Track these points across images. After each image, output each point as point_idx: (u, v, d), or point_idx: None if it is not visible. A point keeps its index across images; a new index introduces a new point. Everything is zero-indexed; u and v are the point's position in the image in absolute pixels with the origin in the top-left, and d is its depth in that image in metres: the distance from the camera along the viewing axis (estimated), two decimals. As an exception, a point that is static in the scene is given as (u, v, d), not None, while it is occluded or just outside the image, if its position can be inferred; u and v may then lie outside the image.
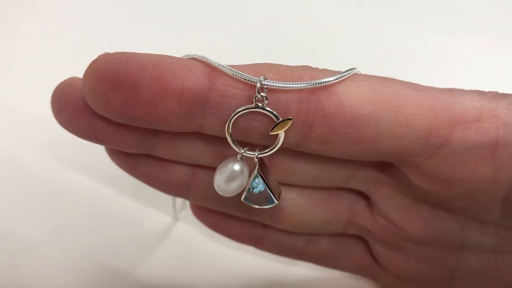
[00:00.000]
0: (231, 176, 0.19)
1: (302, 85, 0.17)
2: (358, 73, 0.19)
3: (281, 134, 0.18)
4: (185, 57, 0.19)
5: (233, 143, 0.19)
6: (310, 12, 0.39)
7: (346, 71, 0.18)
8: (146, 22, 0.39)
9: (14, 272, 0.25)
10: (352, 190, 0.23)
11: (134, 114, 0.18)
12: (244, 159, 0.19)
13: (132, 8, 0.40)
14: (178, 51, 0.19)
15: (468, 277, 0.23)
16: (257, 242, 0.26)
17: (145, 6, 0.40)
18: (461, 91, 0.19)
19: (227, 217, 0.26)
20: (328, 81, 0.17)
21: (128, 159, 0.22)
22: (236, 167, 0.19)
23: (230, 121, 0.18)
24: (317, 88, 0.18)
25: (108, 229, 0.27)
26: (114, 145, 0.21)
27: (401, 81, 0.19)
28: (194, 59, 0.18)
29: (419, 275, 0.24)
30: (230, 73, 0.17)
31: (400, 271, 0.24)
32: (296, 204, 0.23)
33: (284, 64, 0.19)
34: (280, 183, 0.22)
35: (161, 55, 0.18)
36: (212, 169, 0.22)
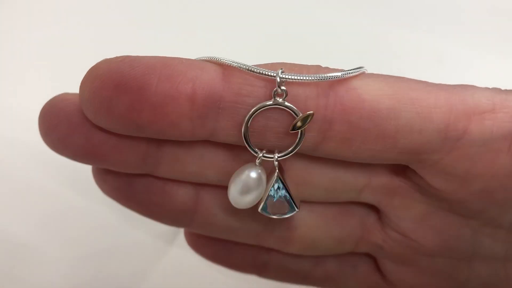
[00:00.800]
0: (247, 185, 0.18)
1: (322, 77, 0.17)
2: (366, 72, 0.18)
3: (302, 132, 0.17)
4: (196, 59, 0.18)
5: (249, 145, 0.17)
6: (306, 15, 0.39)
7: (356, 68, 0.18)
8: (147, 26, 0.38)
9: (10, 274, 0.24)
10: (363, 204, 0.22)
11: (141, 120, 0.16)
12: (262, 163, 0.18)
13: (133, 11, 0.39)
14: (183, 55, 0.18)
15: (481, 286, 0.23)
16: (262, 270, 0.24)
17: (146, 10, 0.39)
18: (471, 85, 0.19)
19: (228, 244, 0.24)
20: (347, 73, 0.17)
21: (124, 185, 0.20)
22: (253, 174, 0.18)
23: (248, 120, 0.17)
24: (335, 83, 0.17)
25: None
26: (113, 164, 0.19)
27: (412, 78, 0.19)
28: (206, 60, 0.17)
29: None
30: (245, 69, 0.16)
31: (409, 287, 0.23)
32: (307, 223, 0.22)
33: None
34: None
35: (169, 56, 0.17)
36: (218, 187, 0.21)
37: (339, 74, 0.17)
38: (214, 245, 0.24)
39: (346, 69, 0.18)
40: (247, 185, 0.18)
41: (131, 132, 0.17)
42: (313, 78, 0.17)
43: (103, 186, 0.21)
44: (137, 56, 0.17)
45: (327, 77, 0.17)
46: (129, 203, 0.21)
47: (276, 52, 0.34)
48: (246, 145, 0.17)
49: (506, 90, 0.19)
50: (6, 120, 0.30)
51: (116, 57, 0.17)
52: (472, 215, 0.20)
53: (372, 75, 0.18)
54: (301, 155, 0.20)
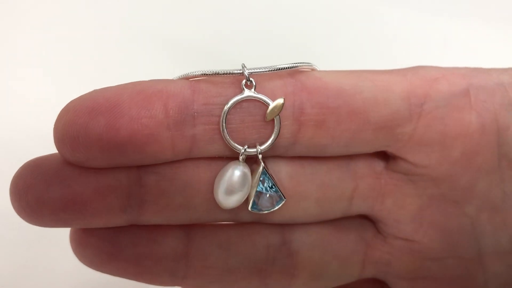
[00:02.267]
0: (232, 185, 0.18)
1: (279, 67, 0.18)
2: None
3: (277, 119, 0.18)
4: None
5: (230, 142, 0.17)
6: None
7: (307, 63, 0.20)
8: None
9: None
10: (355, 218, 0.22)
11: (120, 137, 0.16)
12: (245, 159, 0.18)
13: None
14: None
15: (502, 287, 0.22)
16: None
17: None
18: (421, 65, 0.21)
19: None
20: (304, 63, 0.19)
21: (108, 243, 0.19)
22: (237, 172, 0.18)
23: (224, 116, 0.17)
24: (295, 74, 0.19)
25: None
26: (96, 214, 0.18)
27: None
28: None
29: None
30: (210, 74, 0.18)
31: None
32: (307, 244, 0.21)
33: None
34: (285, 225, 0.21)
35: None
36: (207, 226, 0.20)
37: (292, 64, 0.18)
38: None
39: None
40: (232, 184, 0.18)
41: (110, 156, 0.17)
42: (273, 69, 0.18)
43: (85, 253, 0.19)
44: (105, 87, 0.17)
45: (286, 67, 0.18)
46: (116, 264, 0.19)
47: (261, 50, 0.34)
48: (227, 142, 0.17)
49: (450, 67, 0.21)
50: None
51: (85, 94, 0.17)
52: (464, 196, 0.21)
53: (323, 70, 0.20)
54: (283, 163, 0.20)
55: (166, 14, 0.37)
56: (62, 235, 0.20)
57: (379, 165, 0.21)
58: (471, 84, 0.20)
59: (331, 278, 0.22)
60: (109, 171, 0.18)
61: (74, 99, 0.17)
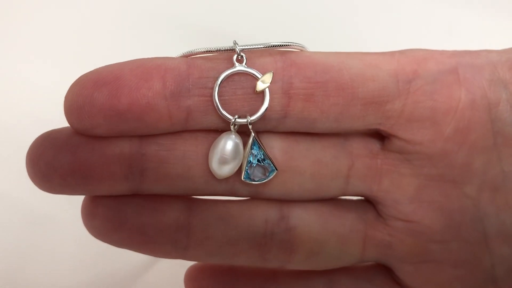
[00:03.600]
0: (226, 153, 0.19)
1: (270, 44, 0.19)
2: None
3: (267, 91, 0.19)
4: None
5: (222, 111, 0.19)
6: None
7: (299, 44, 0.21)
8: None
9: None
10: (356, 201, 0.23)
11: (120, 106, 0.18)
12: (237, 129, 0.19)
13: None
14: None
15: (509, 272, 0.22)
16: None
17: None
18: (409, 48, 0.22)
19: (232, 282, 0.23)
20: (295, 43, 0.20)
21: (115, 213, 0.20)
22: (230, 142, 0.19)
23: (217, 88, 0.19)
24: (286, 52, 0.20)
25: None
26: (101, 180, 0.19)
27: None
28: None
29: (459, 283, 0.22)
30: (204, 50, 0.19)
31: None
32: (305, 220, 0.22)
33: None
34: (284, 201, 0.22)
35: None
36: (207, 200, 0.21)
37: (287, 42, 0.20)
38: (216, 285, 0.23)
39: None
40: (225, 154, 0.19)
41: (113, 124, 0.18)
42: (264, 46, 0.19)
43: (93, 223, 0.20)
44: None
45: (273, 44, 0.19)
46: (121, 233, 0.20)
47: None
48: (219, 111, 0.19)
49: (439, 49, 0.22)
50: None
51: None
52: (462, 175, 0.21)
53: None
54: (278, 139, 0.21)
55: (172, 5, 0.38)
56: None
57: (375, 145, 0.22)
58: (459, 62, 0.21)
59: (331, 256, 0.22)
60: (113, 141, 0.19)
61: (82, 75, 0.19)
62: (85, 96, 0.18)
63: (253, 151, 0.19)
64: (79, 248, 0.27)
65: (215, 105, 0.19)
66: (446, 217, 0.21)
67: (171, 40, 0.34)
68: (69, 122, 0.19)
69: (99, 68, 0.19)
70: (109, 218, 0.20)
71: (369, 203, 0.23)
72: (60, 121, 0.19)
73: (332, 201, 0.22)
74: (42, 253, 0.28)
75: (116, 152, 0.19)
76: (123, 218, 0.20)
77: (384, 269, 0.23)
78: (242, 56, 0.19)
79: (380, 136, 0.22)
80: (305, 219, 0.22)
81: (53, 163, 0.18)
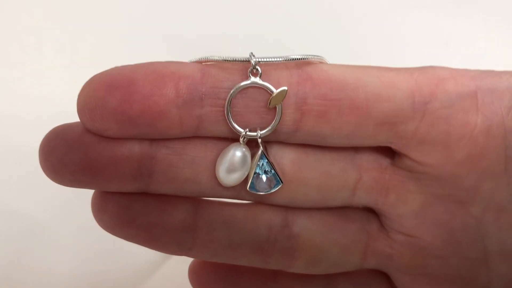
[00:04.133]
0: (233, 164, 0.19)
1: (290, 58, 0.19)
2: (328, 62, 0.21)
3: (279, 107, 0.19)
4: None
5: (233, 124, 0.19)
6: None
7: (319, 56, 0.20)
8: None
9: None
10: (360, 210, 0.23)
11: (132, 111, 0.18)
12: (246, 141, 0.19)
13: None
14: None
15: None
16: None
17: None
18: (430, 65, 0.21)
19: (234, 278, 0.24)
20: (314, 56, 0.19)
21: (124, 210, 0.20)
22: (238, 153, 0.19)
23: (229, 100, 0.18)
24: (303, 66, 0.19)
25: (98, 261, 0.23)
26: (110, 179, 0.19)
27: None
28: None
29: None
30: (220, 59, 0.19)
31: None
32: (309, 228, 0.22)
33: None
34: (289, 208, 0.22)
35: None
36: (214, 202, 0.22)
37: (303, 56, 0.19)
38: (220, 282, 0.24)
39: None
40: (233, 163, 0.19)
41: (124, 128, 0.18)
42: (280, 59, 0.19)
43: (103, 217, 0.21)
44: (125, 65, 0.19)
45: (292, 57, 0.19)
46: (129, 230, 0.21)
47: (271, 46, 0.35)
48: (230, 124, 0.19)
49: (461, 68, 0.21)
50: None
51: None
52: (469, 196, 0.21)
53: (333, 63, 0.21)
54: (287, 149, 0.21)
55: (171, 10, 0.38)
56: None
57: (385, 160, 0.22)
58: (479, 86, 0.20)
59: (331, 264, 0.23)
60: (124, 142, 0.19)
61: (96, 74, 0.19)
62: (98, 98, 0.18)
63: (260, 163, 0.19)
64: (76, 257, 0.27)
65: (227, 117, 0.19)
66: (448, 234, 0.21)
67: (168, 52, 0.34)
68: (81, 122, 0.19)
69: (113, 69, 0.19)
70: (118, 214, 0.20)
71: (373, 213, 0.23)
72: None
73: (336, 210, 0.23)
74: (38, 263, 0.28)
75: (126, 154, 0.19)
76: (132, 216, 0.20)
77: (382, 275, 0.24)
78: (257, 70, 0.18)
79: (390, 151, 0.22)
80: (308, 228, 0.22)
81: (64, 159, 0.19)
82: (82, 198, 0.26)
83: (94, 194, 0.21)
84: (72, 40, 0.37)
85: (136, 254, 0.25)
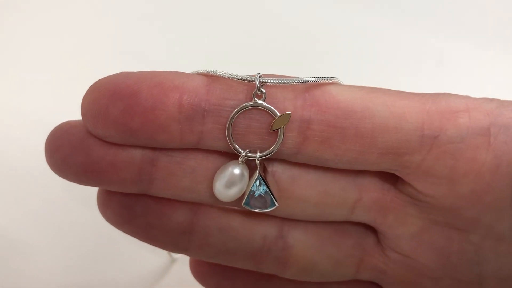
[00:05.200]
0: (231, 180, 0.19)
1: (297, 80, 0.18)
2: (341, 82, 0.20)
3: (281, 131, 0.18)
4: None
5: (233, 144, 0.19)
6: (304, 14, 0.38)
7: (331, 77, 0.20)
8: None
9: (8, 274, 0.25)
10: (358, 224, 0.23)
11: (133, 124, 0.18)
12: (244, 161, 0.19)
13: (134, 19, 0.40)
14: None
15: None
16: None
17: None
18: (444, 93, 0.20)
19: (231, 274, 0.24)
20: (321, 79, 0.19)
21: (125, 209, 0.21)
22: (237, 170, 0.19)
23: (230, 120, 0.18)
24: (310, 88, 0.19)
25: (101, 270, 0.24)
26: (111, 182, 0.20)
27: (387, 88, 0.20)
28: (193, 73, 0.19)
29: None
30: (227, 76, 0.18)
31: None
32: (303, 241, 0.22)
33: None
34: (285, 220, 0.22)
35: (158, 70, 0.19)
36: (212, 208, 0.22)
37: (313, 78, 0.18)
38: (217, 275, 0.24)
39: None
40: (231, 179, 0.19)
41: (125, 138, 0.19)
42: (288, 81, 0.18)
43: (106, 211, 0.21)
44: (130, 71, 0.19)
45: (302, 80, 0.18)
46: (129, 227, 0.21)
47: (273, 56, 0.35)
48: (230, 144, 0.19)
49: (479, 98, 0.20)
50: (8, 119, 0.32)
51: (112, 74, 0.19)
52: (469, 226, 0.20)
53: (345, 84, 0.20)
54: (288, 165, 0.21)
55: (174, 19, 0.38)
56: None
57: (387, 183, 0.21)
58: (493, 123, 0.19)
59: (323, 274, 0.23)
60: (126, 148, 0.19)
61: (102, 79, 0.19)
62: (101, 105, 0.18)
63: (257, 183, 0.19)
64: (62, 273, 0.28)
65: (227, 137, 0.18)
66: (443, 258, 0.21)
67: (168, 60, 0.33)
68: (84, 125, 0.19)
69: (118, 76, 0.18)
70: (120, 212, 0.21)
71: (371, 228, 0.23)
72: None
73: (333, 224, 0.23)
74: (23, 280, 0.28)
75: (127, 160, 0.19)
76: (132, 215, 0.21)
77: (372, 285, 0.24)
78: (261, 92, 0.18)
79: (392, 176, 0.21)
80: (302, 241, 0.22)
81: (68, 160, 0.19)
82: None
83: (99, 189, 0.21)
84: (77, 42, 0.37)
85: (128, 261, 0.26)
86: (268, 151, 0.19)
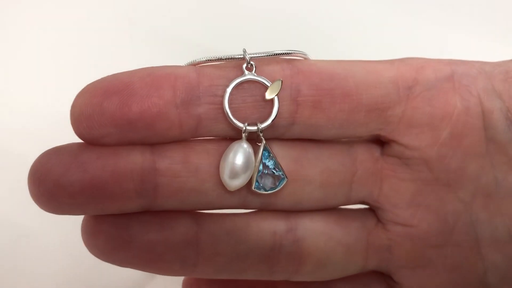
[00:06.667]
0: (235, 170, 0.19)
1: (283, 51, 0.20)
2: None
3: (276, 99, 0.19)
4: None
5: (232, 119, 0.19)
6: (304, 3, 0.38)
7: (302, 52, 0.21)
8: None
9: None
10: (357, 209, 0.23)
11: (131, 114, 0.18)
12: (247, 136, 0.19)
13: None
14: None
15: (501, 281, 0.22)
16: None
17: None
18: (406, 57, 0.22)
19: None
20: (298, 51, 0.20)
21: (121, 230, 0.19)
22: (240, 158, 0.19)
23: (226, 96, 0.19)
24: (291, 60, 0.20)
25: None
26: (112, 197, 0.18)
27: None
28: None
29: None
30: (214, 58, 0.19)
31: None
32: (312, 229, 0.22)
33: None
34: (290, 213, 0.22)
35: None
36: (214, 215, 0.21)
37: (290, 50, 0.20)
38: None
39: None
40: (234, 169, 0.19)
41: (124, 132, 0.18)
42: (268, 54, 0.20)
43: (96, 241, 0.19)
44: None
45: (280, 52, 0.20)
46: (127, 252, 0.19)
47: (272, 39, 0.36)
48: (229, 120, 0.19)
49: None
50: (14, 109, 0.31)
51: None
52: (456, 179, 0.21)
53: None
54: (287, 147, 0.21)
55: (165, 11, 0.39)
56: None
57: (376, 150, 0.22)
58: (454, 70, 0.21)
59: (337, 266, 0.22)
60: (125, 156, 0.19)
61: (89, 83, 0.18)
62: (95, 104, 0.18)
63: (264, 160, 0.19)
64: (63, 265, 0.27)
65: (225, 113, 0.19)
66: (441, 222, 0.22)
67: (164, 55, 0.34)
68: (76, 132, 0.18)
69: (107, 76, 0.19)
70: (114, 236, 0.19)
71: (369, 210, 0.23)
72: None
73: (336, 210, 0.23)
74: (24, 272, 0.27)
75: (128, 166, 0.18)
76: (130, 235, 0.19)
77: (379, 276, 0.24)
78: (251, 65, 0.19)
79: (379, 142, 0.22)
80: (312, 230, 0.22)
81: (61, 180, 0.18)
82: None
83: (85, 219, 0.20)
84: (64, 47, 0.37)
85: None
86: (268, 120, 0.19)
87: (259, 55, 0.19)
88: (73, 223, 0.22)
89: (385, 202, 0.22)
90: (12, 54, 0.37)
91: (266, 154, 0.20)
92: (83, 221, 0.20)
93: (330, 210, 0.23)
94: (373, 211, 0.23)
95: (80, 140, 0.19)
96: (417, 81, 0.21)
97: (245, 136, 0.19)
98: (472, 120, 0.21)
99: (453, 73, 0.21)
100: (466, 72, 0.21)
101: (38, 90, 0.34)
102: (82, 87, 0.18)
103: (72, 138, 0.19)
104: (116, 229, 0.19)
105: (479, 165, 0.21)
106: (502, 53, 0.24)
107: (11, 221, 0.28)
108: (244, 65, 0.19)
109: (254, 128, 0.19)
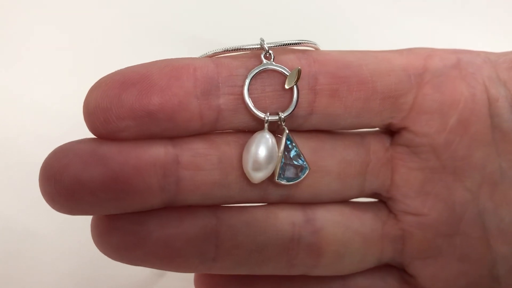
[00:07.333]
0: (258, 162, 0.19)
1: (294, 41, 0.20)
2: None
3: (296, 88, 0.19)
4: None
5: (253, 109, 0.19)
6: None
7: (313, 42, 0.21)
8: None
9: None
10: (369, 202, 0.23)
11: (151, 106, 0.17)
12: (268, 126, 0.19)
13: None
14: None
15: (510, 273, 0.23)
16: None
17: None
18: (412, 47, 0.23)
19: (246, 279, 0.22)
20: (313, 42, 0.20)
21: (137, 227, 0.18)
22: (263, 150, 0.19)
23: (247, 85, 0.18)
24: (308, 52, 0.20)
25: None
26: (135, 192, 0.18)
27: None
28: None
29: (464, 279, 0.23)
30: (232, 49, 0.19)
31: (443, 284, 0.23)
32: (330, 219, 0.22)
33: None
34: (306, 205, 0.22)
35: None
36: (232, 207, 0.21)
37: (304, 40, 0.20)
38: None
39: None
40: (258, 161, 0.19)
41: (144, 124, 0.17)
42: (283, 44, 0.20)
43: (110, 240, 0.18)
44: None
45: (304, 41, 0.20)
46: (144, 248, 0.19)
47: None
48: (250, 109, 0.19)
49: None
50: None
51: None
52: (463, 167, 0.22)
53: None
54: (305, 139, 0.21)
55: (170, 7, 0.38)
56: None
57: (387, 140, 0.23)
58: (460, 58, 0.22)
59: (354, 258, 0.22)
60: (147, 148, 0.18)
61: (104, 76, 0.18)
62: (112, 97, 0.17)
63: (287, 149, 0.19)
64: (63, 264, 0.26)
65: (246, 103, 0.18)
66: (450, 210, 0.22)
67: (170, 52, 0.34)
68: (90, 128, 0.18)
69: (122, 69, 0.18)
70: (130, 232, 0.18)
71: (381, 202, 0.23)
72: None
73: (349, 202, 0.23)
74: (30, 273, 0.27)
75: (151, 160, 0.18)
76: (147, 231, 0.18)
77: (393, 270, 0.24)
78: (270, 54, 0.19)
79: (389, 132, 0.23)
80: (330, 221, 0.22)
81: (81, 177, 0.17)
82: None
83: (94, 219, 0.19)
84: (71, 45, 0.36)
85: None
86: (289, 109, 0.19)
87: (276, 45, 0.19)
88: (79, 223, 0.21)
89: (396, 192, 0.22)
90: (19, 54, 0.36)
91: (289, 144, 0.19)
92: (92, 219, 0.19)
93: (344, 202, 0.22)
94: (384, 203, 0.23)
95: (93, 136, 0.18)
96: (426, 68, 0.21)
97: (267, 126, 0.19)
98: (479, 107, 0.21)
99: (459, 61, 0.22)
100: (471, 60, 0.22)
101: (41, 90, 0.33)
102: (88, 87, 0.18)
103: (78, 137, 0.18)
104: (132, 225, 0.18)
105: (485, 153, 0.22)
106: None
107: (18, 222, 0.27)
108: (263, 54, 0.19)
109: (276, 117, 0.19)
